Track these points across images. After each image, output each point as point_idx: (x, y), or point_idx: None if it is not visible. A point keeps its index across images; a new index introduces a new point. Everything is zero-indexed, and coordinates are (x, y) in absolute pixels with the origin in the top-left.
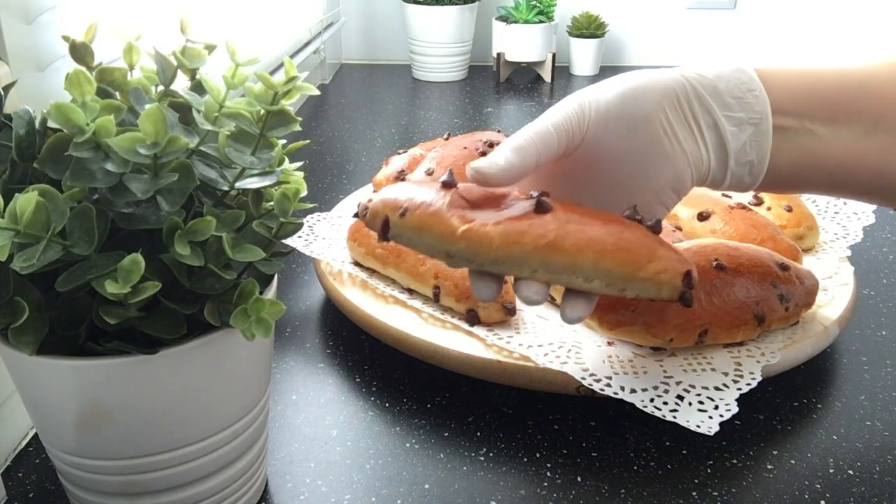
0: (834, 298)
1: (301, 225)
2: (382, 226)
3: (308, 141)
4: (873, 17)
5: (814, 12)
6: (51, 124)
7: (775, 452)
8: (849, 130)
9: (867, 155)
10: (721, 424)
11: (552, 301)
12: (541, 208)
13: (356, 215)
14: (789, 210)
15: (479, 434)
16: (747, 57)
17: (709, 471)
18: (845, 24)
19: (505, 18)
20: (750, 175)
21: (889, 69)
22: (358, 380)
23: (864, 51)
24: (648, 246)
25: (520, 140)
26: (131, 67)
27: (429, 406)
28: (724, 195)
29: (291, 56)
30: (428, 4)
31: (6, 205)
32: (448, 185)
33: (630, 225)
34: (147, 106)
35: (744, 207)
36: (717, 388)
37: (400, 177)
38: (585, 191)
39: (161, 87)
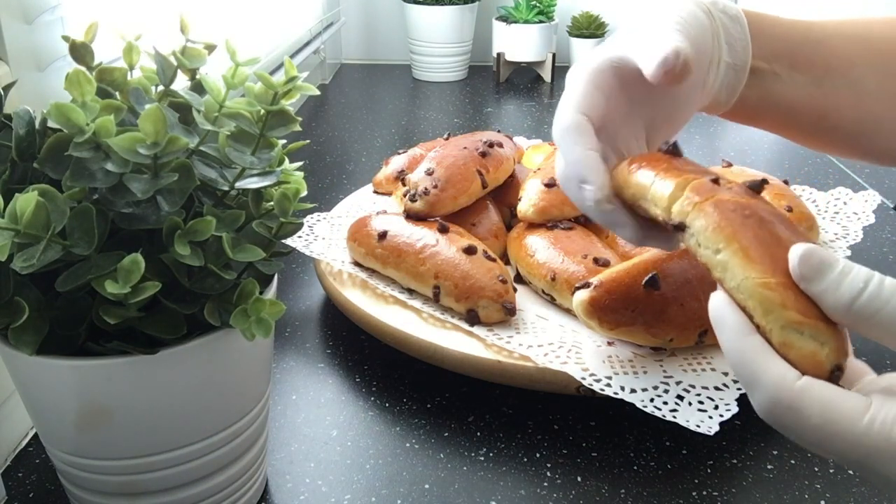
0: None
1: (301, 225)
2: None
3: (308, 141)
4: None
5: (813, 13)
6: (51, 124)
7: (775, 452)
8: (803, 78)
9: (812, 101)
10: (721, 424)
11: (552, 301)
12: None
13: None
14: (789, 210)
15: (479, 434)
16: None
17: (709, 471)
18: None
19: (505, 18)
20: (717, 105)
21: (841, 30)
22: (358, 380)
23: None
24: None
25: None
26: (131, 67)
27: (429, 406)
28: None
29: (291, 56)
30: (428, 4)
31: (6, 205)
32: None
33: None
34: (147, 106)
35: None
36: (717, 388)
37: (400, 177)
38: (639, 108)
39: (161, 87)
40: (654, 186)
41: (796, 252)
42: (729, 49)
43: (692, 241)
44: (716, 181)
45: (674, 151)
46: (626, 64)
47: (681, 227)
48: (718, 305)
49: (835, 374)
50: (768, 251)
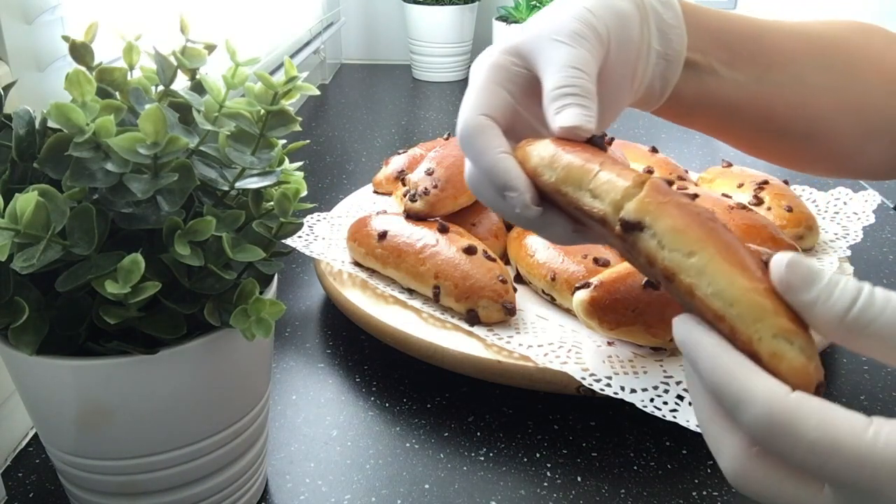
0: None
1: (301, 225)
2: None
3: (308, 141)
4: (873, 17)
5: (814, 12)
6: (51, 124)
7: None
8: (743, 74)
9: (756, 98)
10: None
11: (552, 301)
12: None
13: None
14: (789, 210)
15: (479, 434)
16: None
17: (709, 471)
18: None
19: (505, 18)
20: (651, 99)
21: (780, 27)
22: (358, 380)
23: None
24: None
25: (587, 85)
26: (131, 67)
27: (429, 406)
28: (724, 195)
29: (291, 56)
30: (428, 4)
31: (6, 205)
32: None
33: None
34: (147, 106)
35: (744, 207)
36: None
37: (400, 177)
38: None
39: (161, 87)
40: (600, 177)
41: (782, 260)
42: (660, 36)
43: (652, 242)
44: (670, 183)
45: (599, 143)
46: (529, 61)
47: (637, 227)
48: (689, 328)
49: (818, 392)
50: (742, 258)
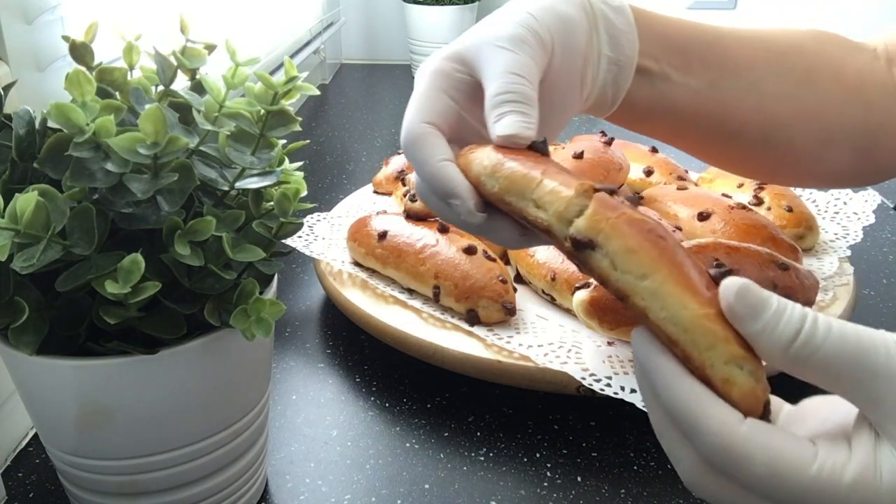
0: (834, 299)
1: (301, 225)
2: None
3: (308, 141)
4: (873, 17)
5: (814, 11)
6: (51, 124)
7: None
8: (697, 80)
9: (710, 104)
10: None
11: (552, 301)
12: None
13: None
14: (789, 210)
15: (479, 434)
16: None
17: None
18: (844, 24)
19: None
20: (603, 105)
21: (736, 33)
22: (358, 380)
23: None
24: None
25: (528, 91)
26: (131, 67)
27: (429, 406)
28: (724, 195)
29: (291, 56)
30: (428, 4)
31: (6, 205)
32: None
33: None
34: (147, 106)
35: (744, 207)
36: None
37: (400, 177)
38: None
39: (161, 87)
40: (543, 187)
41: (731, 288)
42: (611, 41)
43: (604, 262)
44: (611, 193)
45: (542, 149)
46: (472, 67)
47: (588, 245)
48: (647, 350)
49: (766, 410)
50: (693, 279)
